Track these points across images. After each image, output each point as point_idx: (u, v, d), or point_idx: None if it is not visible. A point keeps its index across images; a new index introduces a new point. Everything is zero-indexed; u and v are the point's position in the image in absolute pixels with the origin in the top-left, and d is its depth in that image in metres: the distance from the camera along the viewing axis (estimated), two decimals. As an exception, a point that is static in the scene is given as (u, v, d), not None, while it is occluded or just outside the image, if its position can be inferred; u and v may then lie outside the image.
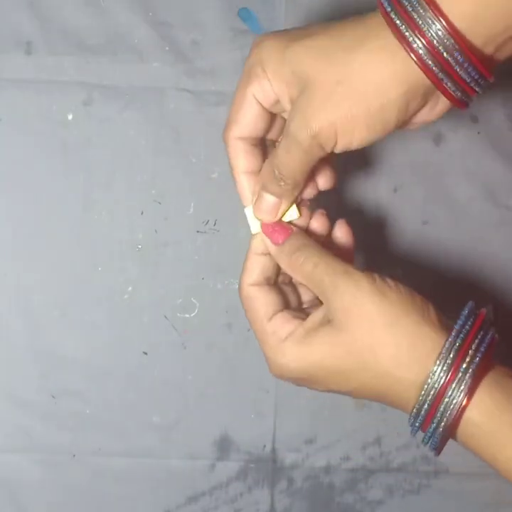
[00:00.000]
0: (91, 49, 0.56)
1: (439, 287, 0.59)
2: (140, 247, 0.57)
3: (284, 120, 0.42)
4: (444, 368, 0.37)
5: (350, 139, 0.38)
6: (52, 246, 0.56)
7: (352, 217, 0.59)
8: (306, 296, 0.46)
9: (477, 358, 0.37)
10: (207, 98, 0.57)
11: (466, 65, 0.35)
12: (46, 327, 0.57)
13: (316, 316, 0.41)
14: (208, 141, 0.57)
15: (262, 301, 0.42)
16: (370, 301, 0.38)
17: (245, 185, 0.43)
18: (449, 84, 0.36)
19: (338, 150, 0.39)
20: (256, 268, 0.43)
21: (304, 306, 0.46)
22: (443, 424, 0.37)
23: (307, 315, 0.42)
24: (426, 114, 0.38)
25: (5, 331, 0.57)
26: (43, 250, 0.56)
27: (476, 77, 0.35)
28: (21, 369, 0.57)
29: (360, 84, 0.36)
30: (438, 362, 0.37)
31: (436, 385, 0.37)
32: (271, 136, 0.44)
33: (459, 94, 0.36)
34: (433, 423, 0.37)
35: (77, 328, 0.57)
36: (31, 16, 0.55)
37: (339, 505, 0.60)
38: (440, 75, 0.35)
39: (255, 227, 0.43)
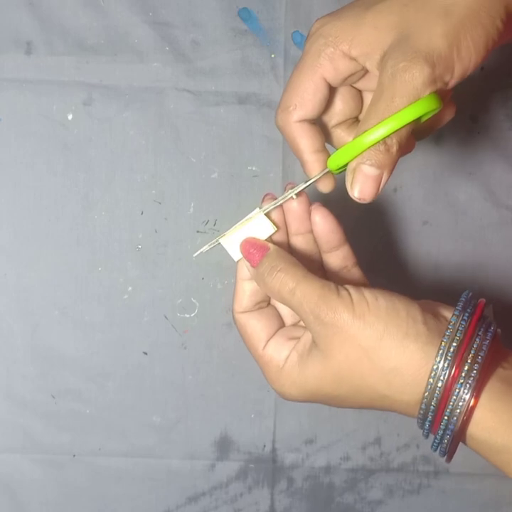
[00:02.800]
0: (91, 49, 0.56)
1: (438, 287, 0.59)
2: (140, 247, 0.57)
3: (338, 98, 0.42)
4: (441, 378, 0.36)
5: (469, 58, 0.37)
6: (52, 246, 0.56)
7: (352, 217, 0.59)
8: None
9: (481, 354, 0.36)
10: (207, 98, 0.57)
11: None
12: (46, 327, 0.57)
13: (307, 336, 0.40)
14: (208, 141, 0.57)
15: (255, 328, 0.42)
16: (350, 329, 0.37)
17: (317, 165, 0.41)
18: None
19: (455, 79, 0.37)
20: (244, 295, 0.42)
21: None
22: (451, 426, 0.36)
23: (303, 327, 0.42)
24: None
25: (5, 331, 0.57)
26: (43, 250, 0.56)
27: None
28: (21, 369, 0.57)
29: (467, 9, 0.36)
30: (432, 374, 0.36)
31: (435, 398, 0.36)
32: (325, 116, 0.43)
33: None
34: (441, 427, 0.37)
35: (77, 328, 0.57)
36: (31, 16, 0.55)
37: (339, 505, 0.60)
38: None
39: (236, 254, 0.41)
